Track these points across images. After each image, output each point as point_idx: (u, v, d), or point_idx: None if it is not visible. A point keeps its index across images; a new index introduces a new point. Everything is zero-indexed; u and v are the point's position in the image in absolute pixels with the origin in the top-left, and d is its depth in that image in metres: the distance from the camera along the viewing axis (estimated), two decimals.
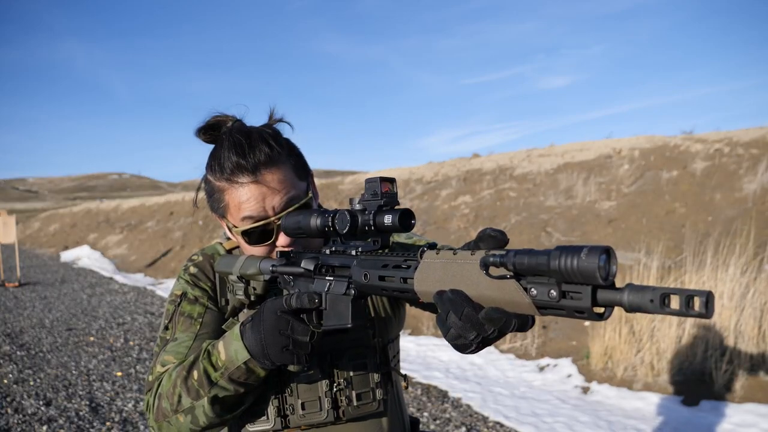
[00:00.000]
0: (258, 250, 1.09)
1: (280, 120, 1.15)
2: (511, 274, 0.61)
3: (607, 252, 0.54)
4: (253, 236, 1.08)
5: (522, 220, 8.31)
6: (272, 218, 1.05)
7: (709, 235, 5.51)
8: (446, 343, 5.49)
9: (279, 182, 1.05)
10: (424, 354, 5.37)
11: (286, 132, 1.16)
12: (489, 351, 5.18)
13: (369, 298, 1.17)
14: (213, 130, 1.12)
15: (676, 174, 8.12)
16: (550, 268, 0.56)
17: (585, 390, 4.20)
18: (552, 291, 0.57)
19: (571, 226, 7.58)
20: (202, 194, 1.18)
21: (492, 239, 0.66)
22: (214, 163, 1.08)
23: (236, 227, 1.08)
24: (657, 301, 0.50)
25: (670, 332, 4.07)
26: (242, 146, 1.03)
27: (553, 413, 3.80)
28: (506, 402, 4.08)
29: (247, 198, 1.04)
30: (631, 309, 0.53)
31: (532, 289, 0.59)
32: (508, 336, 5.27)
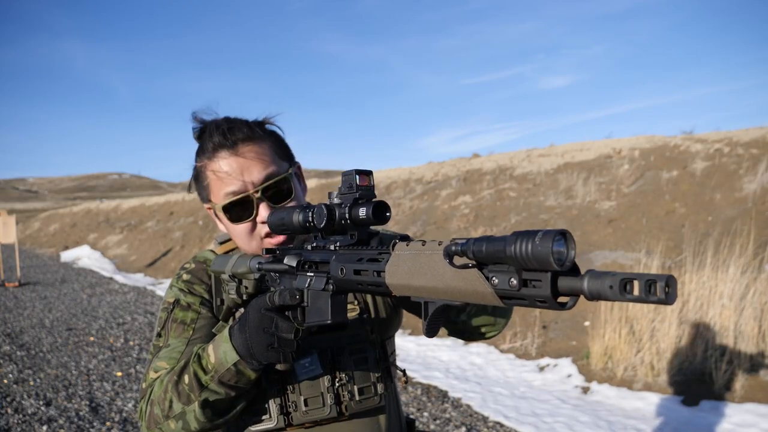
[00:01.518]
0: (241, 228, 1.11)
1: (269, 122, 1.19)
2: (473, 263, 0.59)
3: (564, 235, 0.51)
4: (234, 212, 1.10)
5: (522, 220, 8.31)
6: (251, 191, 1.07)
7: (709, 235, 5.51)
8: (446, 343, 5.49)
9: (257, 156, 1.09)
10: (424, 354, 5.37)
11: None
12: (489, 351, 5.18)
13: (369, 296, 1.17)
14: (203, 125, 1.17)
15: (676, 174, 8.11)
16: (507, 255, 0.54)
17: (585, 390, 4.20)
18: (512, 279, 0.55)
19: (571, 226, 7.57)
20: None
21: None
22: (199, 149, 1.14)
23: (218, 205, 1.11)
24: (617, 288, 0.48)
25: (670, 332, 4.07)
26: (223, 128, 1.09)
27: (553, 413, 3.80)
28: (506, 402, 4.08)
29: (226, 172, 1.08)
30: (591, 297, 0.50)
31: (494, 278, 0.57)
32: (508, 336, 5.27)
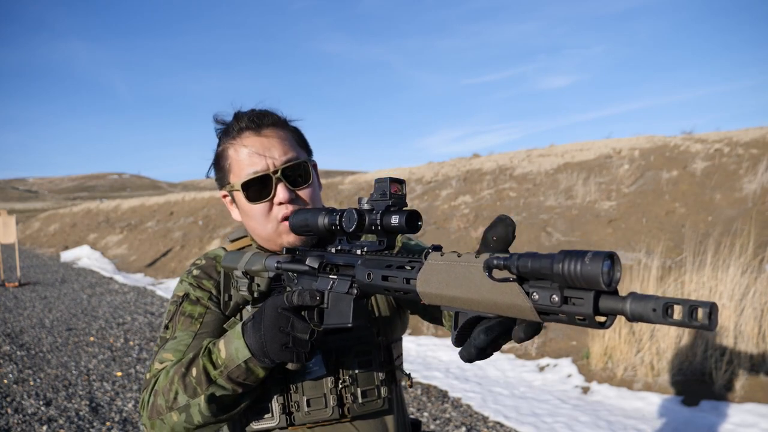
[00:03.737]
0: (258, 209, 1.11)
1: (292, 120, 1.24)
2: (514, 277, 0.61)
3: (612, 258, 0.53)
4: (252, 191, 1.11)
5: (522, 220, 8.31)
6: (271, 171, 1.10)
7: (709, 235, 5.51)
8: (446, 343, 5.48)
9: (279, 139, 1.13)
10: (424, 354, 5.37)
11: None
12: None
13: (372, 298, 1.18)
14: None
15: (676, 174, 8.11)
16: (553, 272, 0.55)
17: (585, 390, 4.20)
18: (554, 296, 0.57)
19: (571, 226, 7.57)
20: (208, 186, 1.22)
21: (502, 223, 0.68)
22: (224, 133, 1.17)
23: (237, 183, 1.12)
24: (660, 311, 0.50)
25: (670, 332, 4.07)
26: (250, 114, 1.16)
27: (553, 413, 3.80)
28: (506, 402, 4.08)
29: (248, 152, 1.11)
30: (633, 318, 0.52)
31: (534, 294, 0.59)
32: None
